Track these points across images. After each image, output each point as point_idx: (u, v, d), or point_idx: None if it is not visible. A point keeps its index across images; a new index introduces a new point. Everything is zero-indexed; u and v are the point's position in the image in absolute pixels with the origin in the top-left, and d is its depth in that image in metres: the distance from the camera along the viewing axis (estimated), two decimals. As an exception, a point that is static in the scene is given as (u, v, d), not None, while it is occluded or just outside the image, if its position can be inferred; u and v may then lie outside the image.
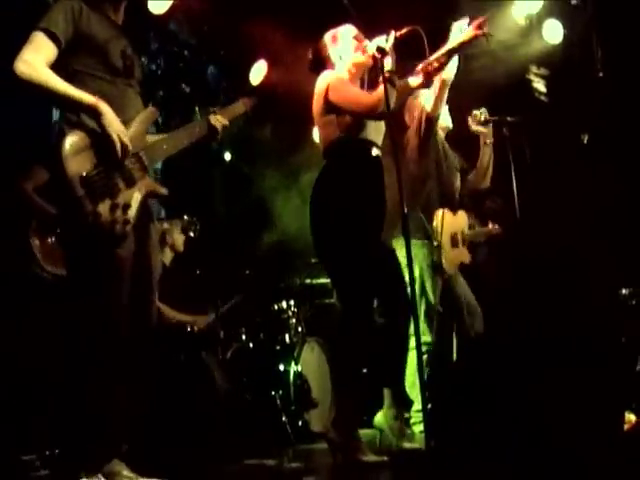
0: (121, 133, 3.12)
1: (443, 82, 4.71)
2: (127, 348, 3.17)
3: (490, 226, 5.34)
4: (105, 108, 3.08)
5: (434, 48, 3.79)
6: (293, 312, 6.27)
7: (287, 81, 6.33)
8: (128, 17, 3.49)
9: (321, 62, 4.29)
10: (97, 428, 3.04)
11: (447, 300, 4.91)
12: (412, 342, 4.42)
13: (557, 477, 2.67)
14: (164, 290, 5.55)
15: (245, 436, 5.09)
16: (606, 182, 5.97)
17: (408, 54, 3.96)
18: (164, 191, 3.37)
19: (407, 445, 4.13)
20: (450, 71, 4.64)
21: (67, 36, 3.14)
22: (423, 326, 4.60)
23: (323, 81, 4.15)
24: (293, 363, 5.73)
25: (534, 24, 6.62)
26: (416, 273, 4.41)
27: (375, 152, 4.14)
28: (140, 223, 3.22)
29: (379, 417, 4.29)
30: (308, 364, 5.86)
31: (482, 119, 5.02)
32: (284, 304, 6.30)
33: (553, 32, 6.54)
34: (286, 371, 5.69)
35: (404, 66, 4.05)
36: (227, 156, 8.05)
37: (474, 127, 5.08)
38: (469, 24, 4.09)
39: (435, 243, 4.75)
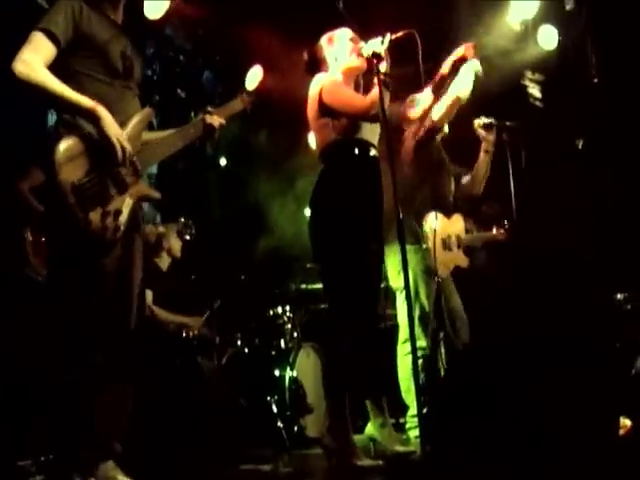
0: (120, 136, 3.11)
1: (457, 99, 4.73)
2: (111, 351, 3.16)
3: (495, 231, 5.32)
4: (103, 112, 3.07)
5: (429, 52, 3.78)
6: (288, 317, 6.26)
7: (282, 86, 6.34)
8: (125, 20, 3.48)
9: (317, 64, 4.30)
10: (89, 430, 3.04)
11: (436, 306, 4.89)
12: (407, 347, 4.44)
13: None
14: (161, 294, 5.59)
15: (240, 441, 5.08)
16: (602, 187, 5.98)
17: (403, 57, 3.96)
18: (157, 195, 3.36)
19: (402, 450, 4.13)
20: (466, 90, 4.67)
21: (67, 36, 3.12)
22: (418, 331, 4.59)
23: (317, 84, 4.16)
24: (288, 368, 5.72)
25: (529, 30, 6.63)
26: (410, 278, 4.40)
27: (372, 152, 4.14)
28: (128, 227, 3.20)
29: (369, 427, 4.30)
30: (303, 369, 5.86)
31: (486, 122, 5.01)
32: (279, 309, 6.29)
33: (548, 38, 6.55)
34: (281, 376, 5.69)
35: (399, 69, 4.05)
36: (222, 161, 8.05)
37: (479, 131, 5.07)
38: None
39: (424, 246, 4.74)
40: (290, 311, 6.30)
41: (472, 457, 2.92)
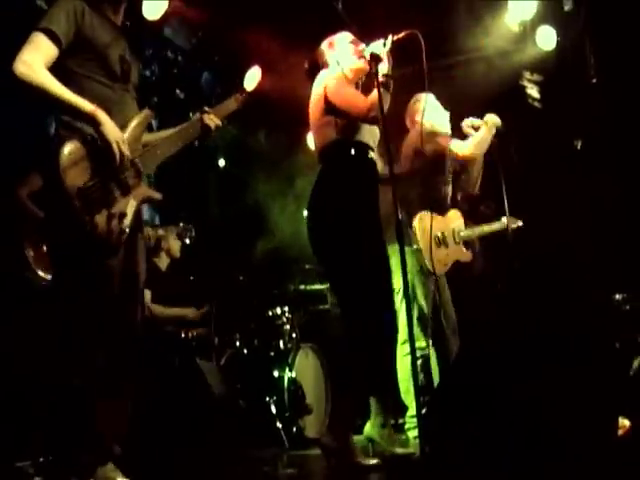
0: (120, 141, 3.10)
1: (474, 160, 4.94)
2: (115, 353, 3.16)
3: (504, 220, 5.21)
4: (103, 117, 3.05)
5: (428, 52, 3.78)
6: (287, 318, 6.26)
7: (281, 87, 6.34)
8: (123, 22, 3.48)
9: (318, 69, 4.29)
10: (89, 433, 3.04)
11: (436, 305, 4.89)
12: (406, 348, 4.43)
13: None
14: (159, 294, 5.59)
15: (240, 442, 5.08)
16: (600, 188, 5.99)
17: (404, 57, 3.96)
18: (158, 196, 3.36)
19: (401, 451, 4.13)
20: (483, 147, 4.80)
21: (68, 37, 3.10)
22: (416, 331, 4.59)
23: (321, 82, 4.14)
24: (287, 369, 5.72)
25: (528, 30, 6.64)
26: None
27: (370, 154, 4.14)
28: (131, 229, 3.20)
29: (368, 427, 4.29)
30: (302, 370, 5.86)
31: (476, 125, 5.02)
32: (278, 310, 6.29)
33: (547, 38, 6.57)
34: (280, 377, 5.69)
35: (399, 69, 4.06)
36: (221, 162, 8.05)
37: (467, 130, 5.08)
38: None
39: (415, 247, 4.73)
40: (289, 312, 6.30)
41: (471, 457, 2.92)
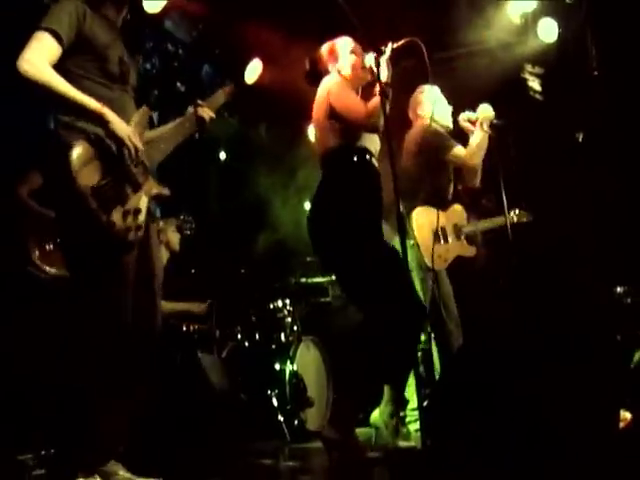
0: (131, 135, 3.11)
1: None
2: (131, 350, 3.16)
3: (513, 213, 5.19)
4: (111, 114, 3.06)
5: (429, 45, 3.77)
6: (289, 311, 6.26)
7: (282, 80, 6.33)
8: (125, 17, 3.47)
9: (318, 76, 4.26)
10: (94, 428, 3.04)
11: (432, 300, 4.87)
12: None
13: (554, 475, 2.68)
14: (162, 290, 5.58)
15: (241, 435, 5.09)
16: (602, 180, 5.98)
17: (407, 51, 3.95)
18: (167, 192, 3.37)
19: (403, 444, 4.13)
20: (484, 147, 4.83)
21: (70, 37, 3.10)
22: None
23: (325, 87, 4.10)
24: (289, 362, 5.72)
25: (529, 23, 6.63)
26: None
27: (373, 161, 4.12)
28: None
29: (375, 415, 4.29)
30: (304, 363, 5.86)
31: (472, 119, 5.02)
32: (279, 303, 6.29)
33: (548, 31, 6.55)
34: (282, 370, 5.69)
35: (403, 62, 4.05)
36: (222, 155, 8.05)
37: (463, 124, 5.07)
38: None
39: (411, 242, 4.72)
40: (290, 305, 6.30)
41: (473, 451, 2.92)
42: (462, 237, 5.02)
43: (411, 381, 4.32)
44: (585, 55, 6.38)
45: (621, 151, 6.06)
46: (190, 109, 3.61)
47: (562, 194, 6.07)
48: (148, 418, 4.33)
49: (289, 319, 6.22)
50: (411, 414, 4.72)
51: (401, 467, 3.81)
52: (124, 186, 3.11)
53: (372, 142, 4.11)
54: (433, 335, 4.79)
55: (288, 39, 6.01)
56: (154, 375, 3.46)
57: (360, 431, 4.25)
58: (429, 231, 4.78)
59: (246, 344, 6.11)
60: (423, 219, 4.80)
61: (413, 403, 4.65)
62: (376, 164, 4.12)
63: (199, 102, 3.64)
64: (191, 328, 5.62)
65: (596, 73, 6.30)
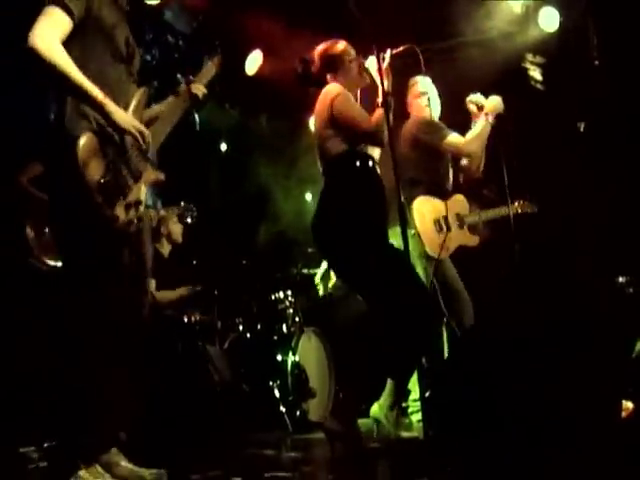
0: (134, 123, 3.09)
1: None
2: (125, 337, 3.16)
3: (518, 204, 5.19)
4: (112, 105, 3.02)
5: (431, 34, 3.76)
6: (290, 302, 6.27)
7: (282, 71, 6.31)
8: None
9: (311, 81, 4.23)
10: (94, 417, 3.04)
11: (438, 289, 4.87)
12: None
13: (555, 466, 2.68)
14: (163, 281, 5.60)
15: (243, 426, 5.10)
16: (603, 169, 5.97)
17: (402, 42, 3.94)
18: (163, 176, 3.36)
19: (405, 434, 4.13)
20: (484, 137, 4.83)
21: (81, 12, 3.04)
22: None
23: (327, 97, 4.04)
24: (291, 353, 5.73)
25: (530, 12, 6.60)
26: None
27: (376, 167, 4.10)
28: None
29: (375, 408, 4.29)
30: (306, 354, 5.87)
31: (480, 103, 5.00)
32: (281, 294, 6.30)
33: (549, 20, 6.52)
34: (284, 361, 5.70)
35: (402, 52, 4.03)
36: (223, 146, 8.04)
37: (471, 107, 5.05)
38: None
39: (412, 232, 4.71)
40: (292, 296, 6.30)
41: (474, 440, 2.92)
42: (464, 227, 5.01)
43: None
44: (586, 44, 6.35)
45: (623, 140, 6.04)
46: (183, 87, 3.59)
47: (563, 183, 6.05)
48: (150, 409, 4.35)
49: (291, 310, 6.23)
50: (413, 405, 4.72)
51: (403, 458, 3.82)
52: (126, 177, 3.10)
53: (373, 148, 4.10)
54: (445, 320, 4.80)
55: (288, 30, 5.99)
56: (150, 363, 3.45)
57: (362, 422, 4.25)
58: (430, 220, 4.79)
59: (248, 335, 6.12)
60: (424, 208, 4.79)
61: (415, 394, 4.65)
62: (378, 170, 4.11)
63: (191, 78, 3.62)
64: (192, 319, 5.62)
65: (597, 62, 6.27)
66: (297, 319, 6.19)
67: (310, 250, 6.64)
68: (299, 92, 4.51)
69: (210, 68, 3.83)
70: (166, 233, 5.88)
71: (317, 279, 5.14)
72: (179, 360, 5.23)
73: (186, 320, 5.60)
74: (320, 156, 4.14)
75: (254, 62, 6.93)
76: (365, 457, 3.77)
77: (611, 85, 6.15)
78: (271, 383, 5.60)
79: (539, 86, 6.65)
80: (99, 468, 3.01)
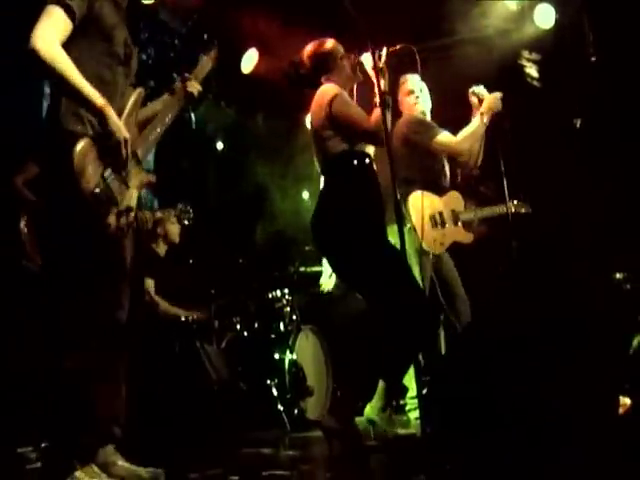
0: (127, 138, 3.07)
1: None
2: (115, 336, 3.16)
3: (512, 203, 5.17)
4: (111, 112, 3.01)
5: (427, 32, 3.76)
6: (287, 300, 6.27)
7: (279, 69, 6.31)
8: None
9: (305, 83, 4.21)
10: (89, 415, 3.03)
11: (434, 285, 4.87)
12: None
13: (553, 462, 2.68)
14: (159, 281, 5.60)
15: (241, 425, 5.09)
16: (599, 166, 5.97)
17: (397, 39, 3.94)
18: (153, 179, 3.35)
19: (402, 431, 4.13)
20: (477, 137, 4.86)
21: (82, 11, 3.03)
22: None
23: (323, 98, 4.02)
24: (288, 351, 5.73)
25: (526, 9, 6.60)
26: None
27: (373, 165, 4.09)
28: None
29: (368, 409, 4.29)
30: (303, 352, 5.87)
31: (481, 96, 4.99)
32: (278, 293, 6.30)
33: (545, 16, 6.52)
34: (281, 359, 5.70)
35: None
36: (219, 145, 8.03)
37: (472, 98, 5.04)
38: None
39: (408, 226, 4.70)
40: (289, 294, 6.30)
41: (472, 437, 2.92)
42: (459, 223, 5.01)
43: (410, 369, 4.32)
44: (582, 41, 6.35)
45: (619, 137, 6.04)
46: (178, 84, 3.56)
47: (560, 180, 6.05)
48: (147, 408, 4.34)
49: (288, 308, 6.22)
50: (411, 402, 4.73)
51: (401, 455, 3.82)
52: (119, 184, 3.09)
53: (369, 146, 4.09)
54: (442, 317, 4.80)
55: (284, 28, 5.98)
56: (148, 362, 3.45)
57: (357, 420, 4.25)
58: (426, 215, 4.79)
59: (245, 334, 6.11)
60: (420, 203, 4.79)
61: (413, 391, 4.66)
62: (375, 167, 4.10)
63: (187, 75, 3.60)
64: (190, 318, 5.62)
65: (594, 59, 6.28)
66: (294, 317, 6.19)
67: (307, 248, 6.63)
68: (295, 91, 4.50)
69: (206, 63, 3.81)
70: (163, 233, 5.88)
71: (324, 279, 5.12)
72: (176, 359, 5.23)
73: (183, 319, 5.59)
74: (319, 156, 4.12)
75: (250, 61, 6.92)
76: (363, 455, 3.77)
77: (607, 82, 6.15)
78: (269, 382, 5.60)
79: (535, 83, 6.65)
80: (95, 468, 3.01)
